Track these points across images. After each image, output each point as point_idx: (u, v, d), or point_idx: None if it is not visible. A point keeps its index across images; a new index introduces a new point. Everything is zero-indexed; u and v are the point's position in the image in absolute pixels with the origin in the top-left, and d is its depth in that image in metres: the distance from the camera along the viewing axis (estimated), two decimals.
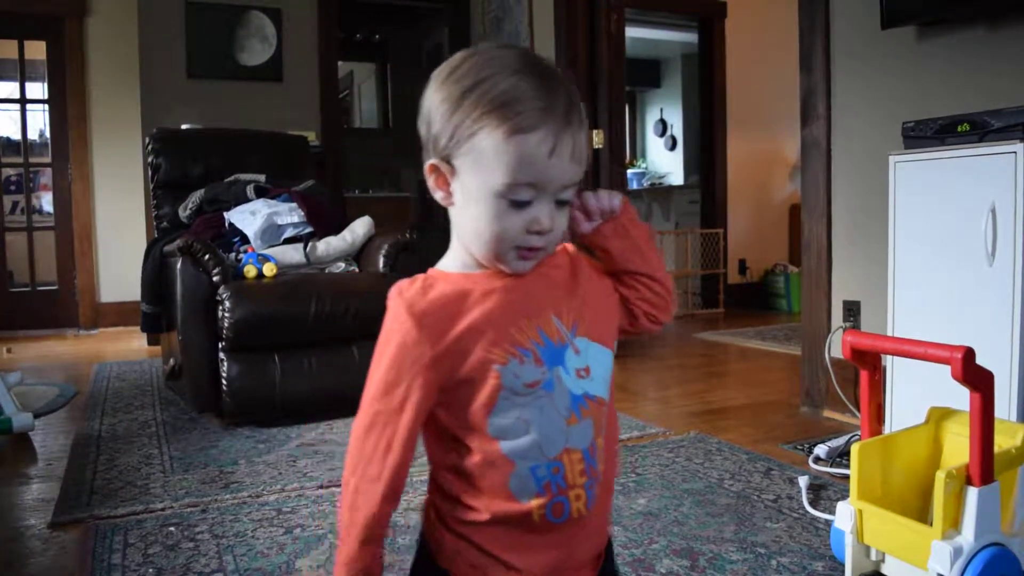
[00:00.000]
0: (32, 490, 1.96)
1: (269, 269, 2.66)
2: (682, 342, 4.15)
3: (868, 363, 1.42)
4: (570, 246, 0.80)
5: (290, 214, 2.90)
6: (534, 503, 0.71)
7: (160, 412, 2.71)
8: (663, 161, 7.55)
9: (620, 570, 0.88)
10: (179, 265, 2.50)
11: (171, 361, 2.95)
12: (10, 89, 5.10)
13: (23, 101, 5.02)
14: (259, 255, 2.69)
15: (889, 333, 1.92)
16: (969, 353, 1.20)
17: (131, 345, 4.36)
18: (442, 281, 0.74)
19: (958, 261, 1.75)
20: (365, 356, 2.61)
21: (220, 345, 2.47)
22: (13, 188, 5.23)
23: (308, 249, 2.82)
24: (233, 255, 2.75)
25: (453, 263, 0.76)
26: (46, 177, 5.19)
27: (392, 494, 0.72)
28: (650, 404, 2.77)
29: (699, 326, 4.71)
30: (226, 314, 2.42)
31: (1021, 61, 1.93)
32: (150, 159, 3.31)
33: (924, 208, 1.84)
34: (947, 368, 1.21)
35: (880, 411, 1.45)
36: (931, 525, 1.23)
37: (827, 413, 2.51)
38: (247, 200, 2.99)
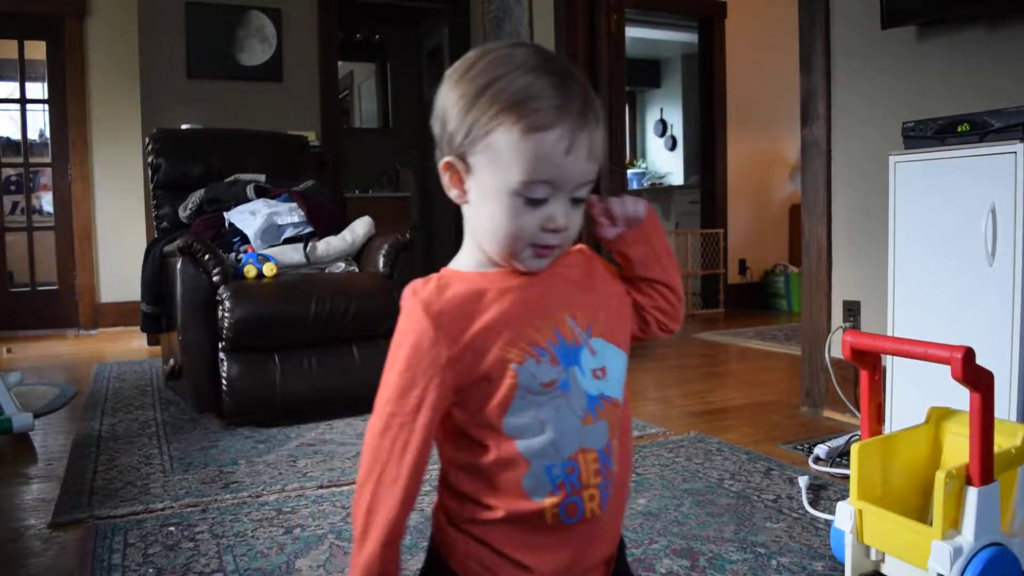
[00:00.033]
0: (32, 490, 1.96)
1: (269, 269, 2.66)
2: (682, 342, 4.15)
3: (868, 363, 1.42)
4: (585, 247, 0.80)
5: (290, 214, 2.90)
6: (548, 502, 0.71)
7: (160, 412, 2.71)
8: (663, 161, 7.55)
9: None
10: (179, 265, 2.50)
11: (171, 361, 2.95)
12: (10, 89, 5.10)
13: (23, 101, 5.02)
14: (259, 255, 2.69)
15: (889, 333, 1.92)
16: (969, 353, 1.20)
17: (131, 345, 4.36)
18: (457, 280, 0.74)
19: (958, 261, 1.75)
20: (365, 356, 2.62)
21: (220, 345, 2.47)
22: (13, 188, 5.23)
23: (308, 249, 2.82)
24: (233, 255, 2.75)
25: (467, 262, 0.76)
26: (46, 177, 5.19)
27: (410, 496, 0.72)
28: (650, 404, 2.77)
29: (699, 326, 4.71)
30: (226, 314, 2.42)
31: (1021, 61, 1.93)
32: (150, 159, 3.32)
33: (924, 208, 1.84)
34: (947, 368, 1.21)
35: (880, 411, 1.45)
36: (931, 525, 1.23)
37: (827, 413, 2.51)
38: (247, 200, 2.99)
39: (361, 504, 0.72)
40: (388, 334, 2.68)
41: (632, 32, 5.65)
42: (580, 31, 3.84)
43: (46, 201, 5.25)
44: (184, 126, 4.12)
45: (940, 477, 1.20)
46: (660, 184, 7.17)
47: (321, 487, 1.90)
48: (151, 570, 1.45)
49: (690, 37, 6.17)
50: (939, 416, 1.43)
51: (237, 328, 2.42)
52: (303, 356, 2.54)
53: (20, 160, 5.10)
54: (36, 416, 2.52)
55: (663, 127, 7.54)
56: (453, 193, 0.75)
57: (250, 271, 2.63)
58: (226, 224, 2.88)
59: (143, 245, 3.51)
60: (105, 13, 4.91)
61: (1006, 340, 1.63)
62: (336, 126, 4.98)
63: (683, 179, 7.05)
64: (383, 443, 0.71)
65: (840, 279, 2.51)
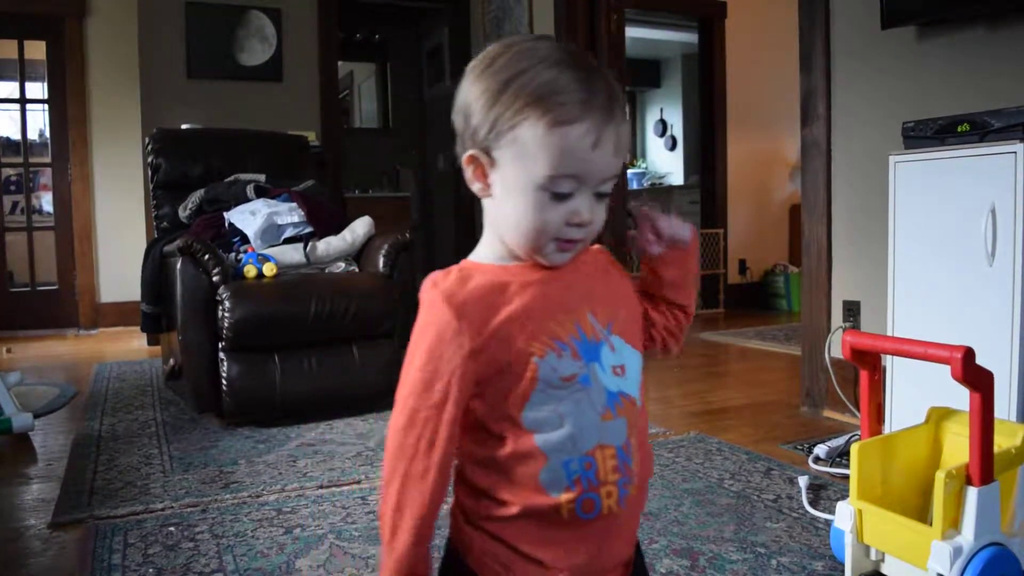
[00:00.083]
0: (32, 490, 1.96)
1: (269, 269, 2.66)
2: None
3: (868, 363, 1.42)
4: (602, 247, 0.81)
5: (290, 214, 2.90)
6: (564, 497, 0.71)
7: (160, 412, 2.71)
8: (663, 161, 7.55)
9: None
10: (179, 265, 2.50)
11: (171, 361, 2.95)
12: (10, 89, 5.10)
13: (23, 101, 5.02)
14: (259, 255, 2.69)
15: (889, 333, 1.92)
16: (969, 353, 1.20)
17: (131, 345, 4.36)
18: (478, 272, 0.73)
19: (958, 261, 1.75)
20: (365, 356, 2.62)
21: (220, 345, 2.47)
22: (13, 188, 5.23)
23: (308, 249, 2.82)
24: (233, 255, 2.75)
25: (487, 255, 0.76)
26: (46, 177, 5.19)
27: (439, 491, 0.71)
28: (650, 404, 2.77)
29: (699, 326, 4.71)
30: (226, 314, 2.42)
31: (1021, 61, 1.93)
32: (150, 159, 3.32)
33: (924, 208, 1.84)
34: (947, 368, 1.21)
35: (880, 411, 1.45)
36: (931, 525, 1.23)
37: (827, 413, 2.51)
38: (247, 200, 2.99)
39: (388, 503, 0.71)
40: (388, 334, 2.69)
41: (632, 32, 5.65)
42: (580, 31, 3.84)
43: (46, 201, 5.25)
44: (184, 126, 4.12)
45: (940, 477, 1.20)
46: (660, 184, 7.17)
47: (321, 487, 1.90)
48: (151, 570, 1.45)
49: (690, 37, 6.17)
50: (939, 416, 1.43)
51: (237, 328, 2.42)
52: (303, 356, 2.54)
53: (20, 160, 5.10)
54: (36, 416, 2.52)
55: (663, 127, 7.54)
56: (476, 187, 0.74)
57: (250, 271, 2.63)
58: (226, 224, 2.88)
59: (143, 245, 3.51)
60: (105, 13, 4.92)
61: (1006, 340, 1.63)
62: (336, 126, 4.98)
63: (683, 179, 7.05)
64: (407, 439, 0.70)
65: (840, 279, 2.51)
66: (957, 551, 1.19)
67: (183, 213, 3.10)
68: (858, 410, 2.24)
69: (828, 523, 1.58)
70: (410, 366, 0.72)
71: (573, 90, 0.68)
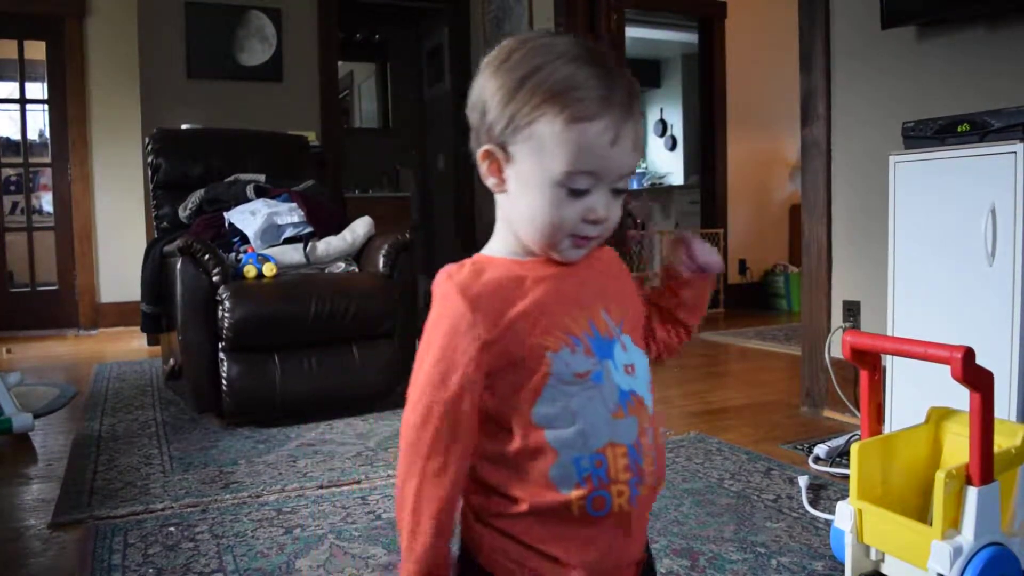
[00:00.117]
0: (32, 490, 1.96)
1: (269, 269, 2.66)
2: None
3: (868, 363, 1.42)
4: (610, 248, 0.81)
5: (290, 214, 2.90)
6: (574, 494, 0.70)
7: (160, 412, 2.71)
8: (663, 161, 7.56)
9: None
10: (179, 265, 2.50)
11: (171, 361, 2.95)
12: (10, 89, 5.10)
13: (23, 101, 5.02)
14: (259, 255, 2.69)
15: (889, 333, 1.92)
16: (969, 353, 1.20)
17: (131, 345, 4.36)
18: (492, 266, 0.73)
19: (958, 261, 1.75)
20: (365, 356, 2.62)
21: (220, 345, 2.47)
22: (13, 188, 5.23)
23: (308, 249, 2.82)
24: (233, 255, 2.75)
25: (500, 249, 0.76)
26: (46, 177, 5.19)
27: (458, 487, 0.70)
28: None
29: (699, 326, 4.70)
30: (226, 314, 2.42)
31: (1021, 61, 1.93)
32: (150, 159, 3.32)
33: (924, 208, 1.84)
34: (947, 368, 1.21)
35: (880, 411, 1.45)
36: (931, 525, 1.23)
37: (827, 413, 2.51)
38: (247, 200, 2.99)
39: (406, 506, 0.70)
40: (388, 334, 2.69)
41: (632, 32, 5.65)
42: (580, 31, 3.84)
43: (46, 201, 5.25)
44: (184, 126, 4.12)
45: (940, 477, 1.20)
46: (660, 184, 7.17)
47: (321, 487, 1.90)
48: (151, 570, 1.45)
49: (690, 37, 6.17)
50: (939, 416, 1.43)
51: (237, 328, 2.42)
52: (303, 356, 2.54)
53: (20, 160, 5.10)
54: (36, 416, 2.52)
55: (663, 127, 7.55)
56: (491, 182, 0.74)
57: (250, 271, 2.63)
58: (226, 224, 2.88)
59: (143, 245, 3.51)
60: (105, 13, 4.91)
61: (1006, 340, 1.63)
62: (336, 126, 4.98)
63: (683, 179, 7.05)
64: (424, 434, 0.69)
65: (840, 279, 2.51)
66: (957, 551, 1.19)
67: (183, 213, 3.10)
68: (858, 410, 2.24)
69: (828, 523, 1.58)
70: (424, 360, 0.71)
71: (592, 86, 0.68)
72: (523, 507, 0.71)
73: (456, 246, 5.40)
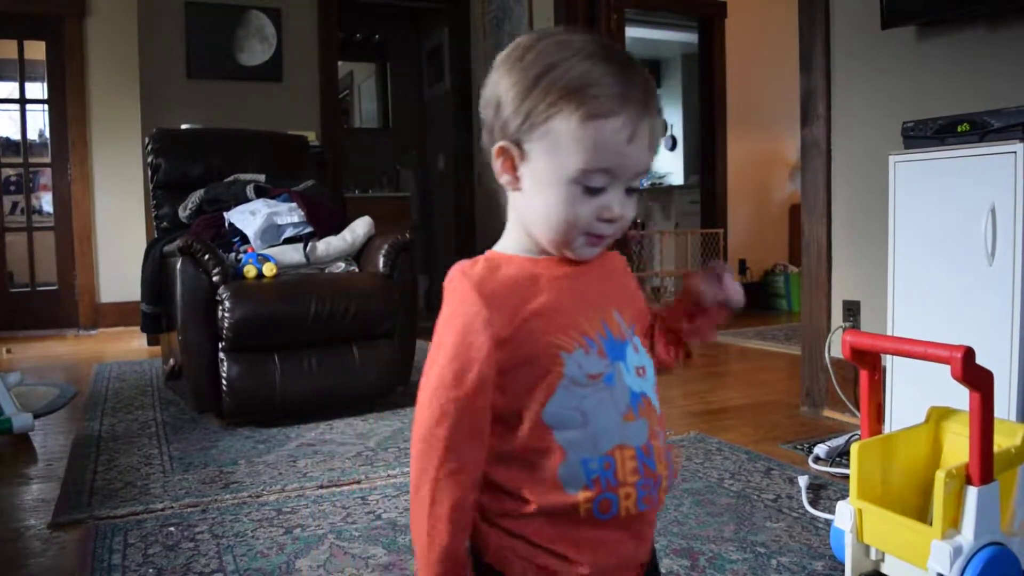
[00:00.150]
0: (32, 490, 1.96)
1: (269, 269, 2.66)
2: None
3: (868, 363, 1.42)
4: (618, 253, 0.81)
5: (290, 214, 2.90)
6: (581, 496, 0.70)
7: (160, 412, 2.71)
8: (663, 161, 7.55)
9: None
10: (179, 265, 2.50)
11: (171, 361, 2.95)
12: (10, 89, 5.10)
13: (23, 101, 5.02)
14: (259, 255, 2.69)
15: (889, 333, 1.92)
16: (969, 353, 1.20)
17: (131, 345, 4.36)
18: (506, 263, 0.73)
19: (958, 261, 1.75)
20: (365, 356, 2.62)
21: (220, 345, 2.47)
22: (13, 188, 5.23)
23: (308, 249, 2.82)
24: (233, 255, 2.75)
25: (514, 247, 0.75)
26: (46, 177, 5.19)
27: (475, 485, 0.69)
28: None
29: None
30: (226, 314, 2.42)
31: (1021, 61, 1.93)
32: (150, 159, 3.32)
33: (924, 208, 1.84)
34: (947, 368, 1.21)
35: (880, 411, 1.45)
36: (931, 525, 1.23)
37: (827, 413, 2.51)
38: (247, 200, 2.99)
39: (421, 509, 0.69)
40: (388, 334, 2.69)
41: (632, 32, 5.65)
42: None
43: (46, 201, 5.25)
44: (184, 126, 4.12)
45: (940, 477, 1.20)
46: (660, 184, 7.17)
47: (321, 487, 1.90)
48: (151, 570, 1.45)
49: (690, 37, 6.17)
50: (939, 416, 1.43)
51: (237, 328, 2.42)
52: (303, 356, 2.54)
53: (20, 160, 5.10)
54: (36, 416, 2.52)
55: (663, 127, 7.54)
56: (504, 179, 0.73)
57: (250, 271, 2.63)
58: (226, 224, 2.88)
59: (143, 245, 3.51)
60: (105, 13, 4.91)
61: (1006, 340, 1.63)
62: (336, 126, 4.98)
63: (683, 179, 7.05)
64: (439, 432, 0.68)
65: (840, 279, 2.51)
66: (957, 551, 1.19)
67: (183, 213, 3.10)
68: (858, 410, 2.24)
69: (828, 523, 1.58)
70: (437, 358, 0.70)
71: (608, 83, 0.67)
72: (530, 508, 0.70)
73: (456, 246, 5.40)
